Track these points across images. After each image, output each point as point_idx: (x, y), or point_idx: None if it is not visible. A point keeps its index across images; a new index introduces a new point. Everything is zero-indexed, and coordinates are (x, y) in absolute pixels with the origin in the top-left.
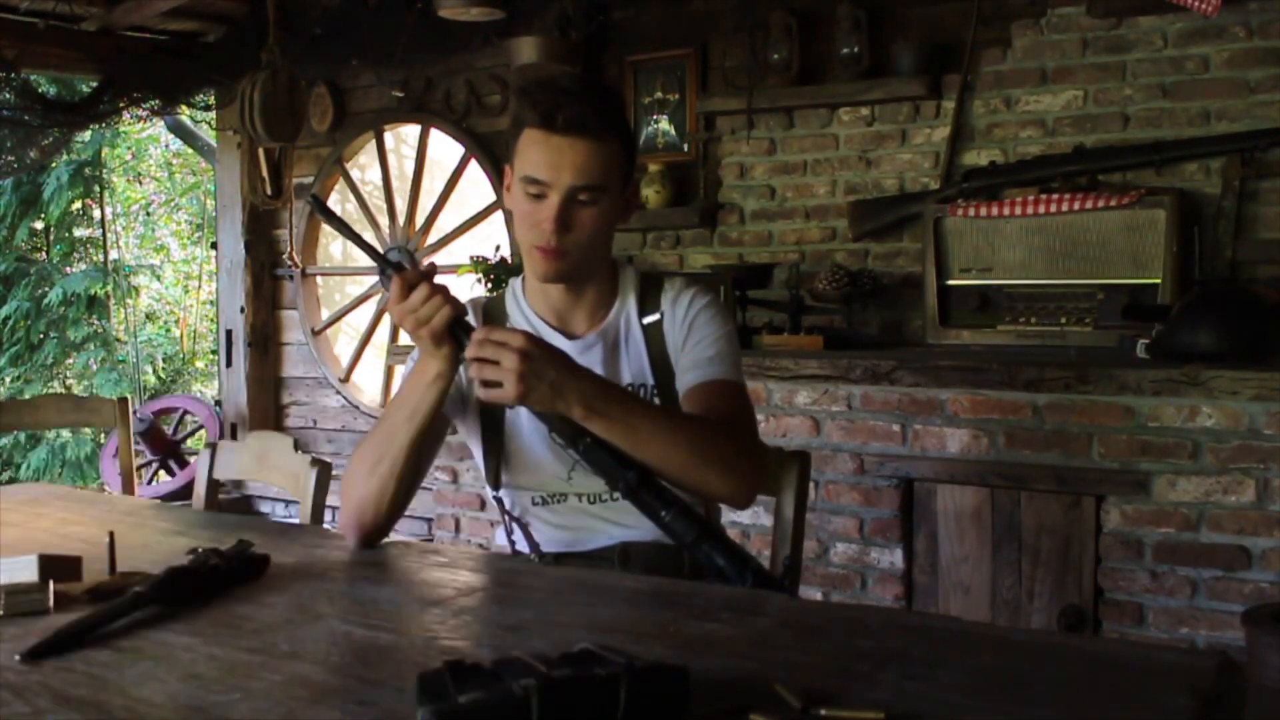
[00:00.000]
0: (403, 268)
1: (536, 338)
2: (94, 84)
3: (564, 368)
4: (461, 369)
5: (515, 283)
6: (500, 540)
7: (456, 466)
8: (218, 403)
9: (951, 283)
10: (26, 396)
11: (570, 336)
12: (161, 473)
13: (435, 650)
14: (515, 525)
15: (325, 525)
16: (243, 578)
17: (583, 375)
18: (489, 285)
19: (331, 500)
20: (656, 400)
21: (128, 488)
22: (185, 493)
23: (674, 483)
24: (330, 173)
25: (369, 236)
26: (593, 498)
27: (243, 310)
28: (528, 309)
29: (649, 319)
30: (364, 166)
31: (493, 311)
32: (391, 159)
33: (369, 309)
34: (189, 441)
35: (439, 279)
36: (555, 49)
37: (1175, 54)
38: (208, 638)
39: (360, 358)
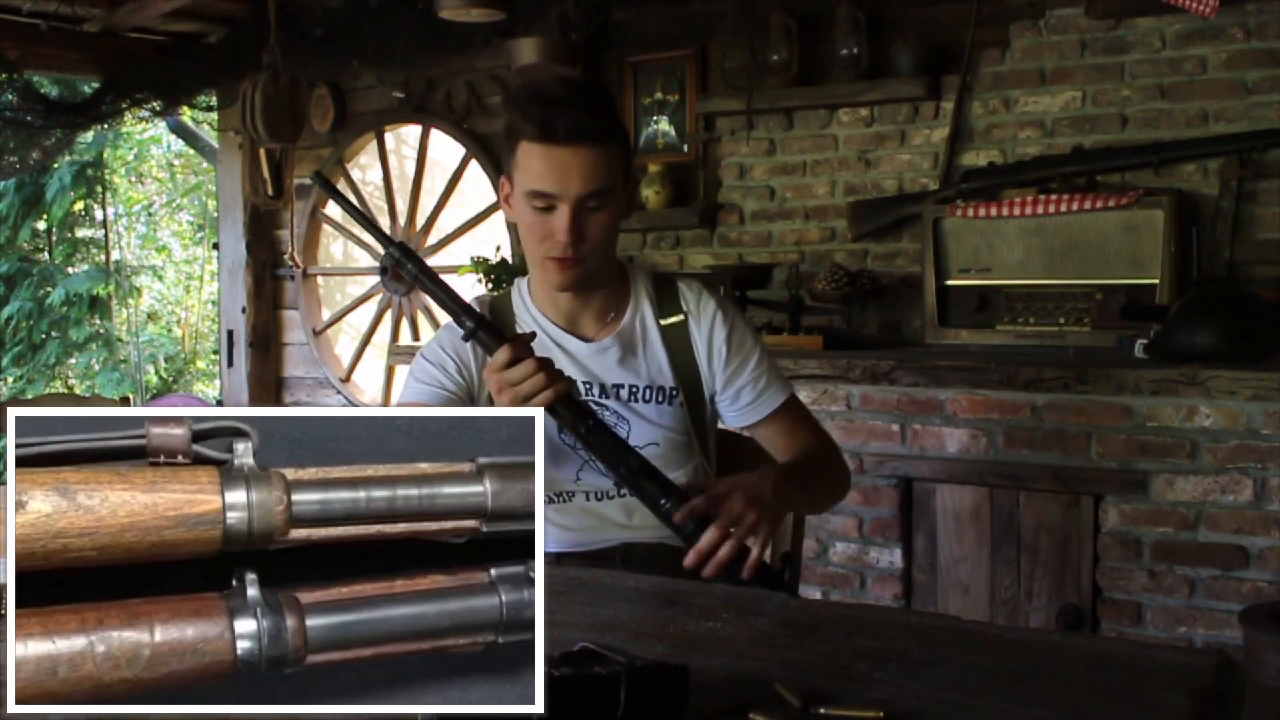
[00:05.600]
0: (492, 328)
1: (747, 484)
2: (96, 85)
3: (764, 482)
4: (474, 366)
5: (521, 283)
6: None
7: None
8: (219, 402)
9: (950, 283)
10: (29, 396)
11: (583, 339)
12: None
13: None
14: None
15: None
16: None
17: (768, 477)
18: (489, 285)
19: None
20: (679, 400)
21: None
22: None
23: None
24: (331, 173)
25: (369, 236)
26: (599, 494)
27: (244, 310)
28: (536, 312)
29: (669, 320)
30: (365, 167)
31: (499, 311)
32: (392, 159)
33: (370, 309)
34: None
35: (448, 282)
36: (555, 50)
37: (1173, 55)
38: None
39: (361, 358)
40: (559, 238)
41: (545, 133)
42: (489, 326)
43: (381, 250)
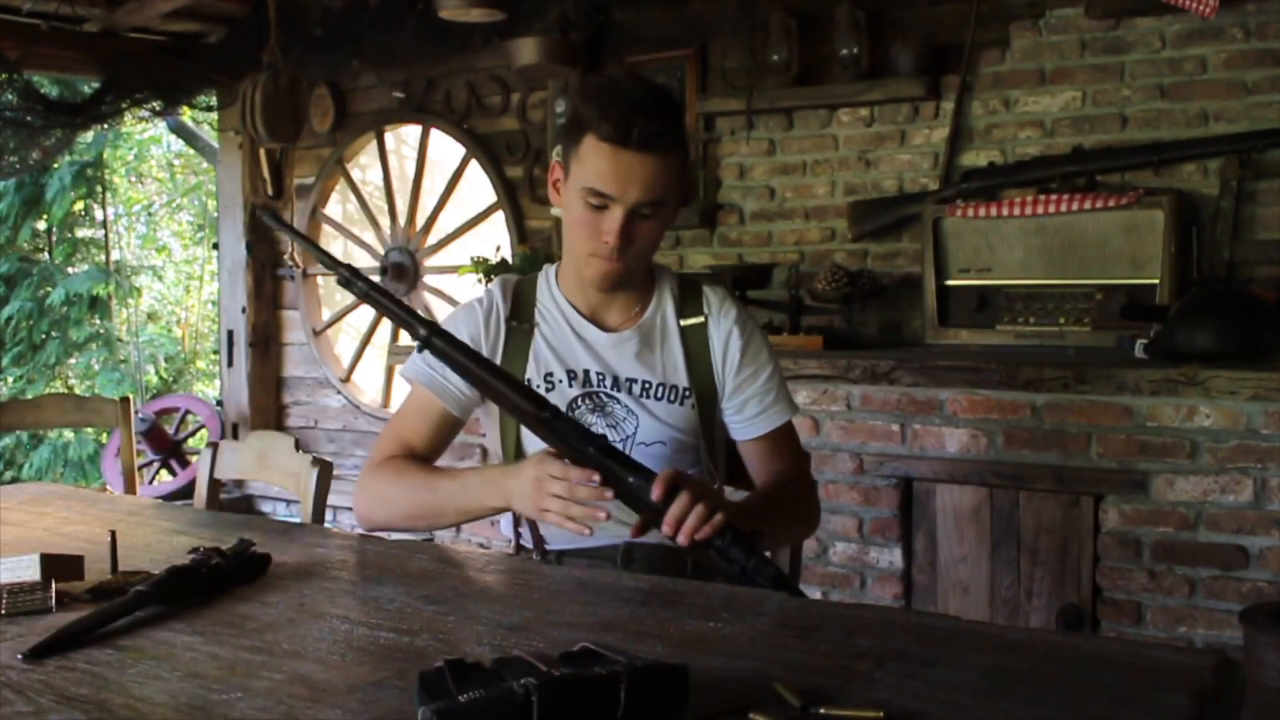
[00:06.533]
0: (448, 338)
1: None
2: (96, 85)
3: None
4: (486, 348)
5: (549, 269)
6: (505, 532)
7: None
8: (219, 402)
9: (950, 283)
10: (29, 396)
11: (603, 329)
12: (163, 472)
13: (436, 649)
14: (522, 519)
15: (326, 524)
16: (244, 577)
17: (734, 504)
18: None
19: (332, 500)
20: (690, 402)
21: (129, 487)
22: (187, 492)
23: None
24: (331, 173)
25: (369, 237)
26: None
27: (244, 310)
28: (560, 298)
29: (689, 321)
30: (365, 167)
31: (522, 293)
32: (392, 159)
33: (370, 309)
34: (190, 441)
35: (438, 281)
36: (555, 50)
37: (1173, 55)
38: (209, 637)
39: (361, 358)
40: (607, 239)
41: (619, 135)
42: (444, 335)
43: (382, 250)
